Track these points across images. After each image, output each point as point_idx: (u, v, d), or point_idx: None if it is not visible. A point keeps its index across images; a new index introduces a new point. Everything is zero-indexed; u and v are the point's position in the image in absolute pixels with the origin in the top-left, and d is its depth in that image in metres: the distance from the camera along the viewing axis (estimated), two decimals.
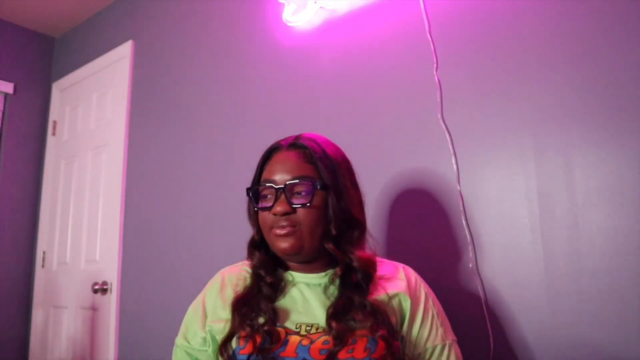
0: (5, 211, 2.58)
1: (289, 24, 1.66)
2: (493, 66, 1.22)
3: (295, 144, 0.88)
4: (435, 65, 1.31)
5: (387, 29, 1.44)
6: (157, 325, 1.92)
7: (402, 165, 1.33)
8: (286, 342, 0.78)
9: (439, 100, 1.29)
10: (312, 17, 1.61)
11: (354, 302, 0.80)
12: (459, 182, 1.22)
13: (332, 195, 0.84)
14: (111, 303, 2.14)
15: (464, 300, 1.17)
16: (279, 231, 0.82)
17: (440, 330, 0.87)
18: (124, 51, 2.39)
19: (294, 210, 0.82)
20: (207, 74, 1.98)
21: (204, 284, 0.95)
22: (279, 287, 0.86)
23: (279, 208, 0.82)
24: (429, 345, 0.85)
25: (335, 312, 0.79)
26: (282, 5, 1.67)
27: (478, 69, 1.24)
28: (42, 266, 2.61)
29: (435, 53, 1.31)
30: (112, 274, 2.18)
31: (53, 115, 2.79)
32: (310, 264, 0.88)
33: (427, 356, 0.86)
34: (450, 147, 1.25)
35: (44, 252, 2.62)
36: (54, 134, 2.76)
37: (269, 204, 0.84)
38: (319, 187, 0.82)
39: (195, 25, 2.08)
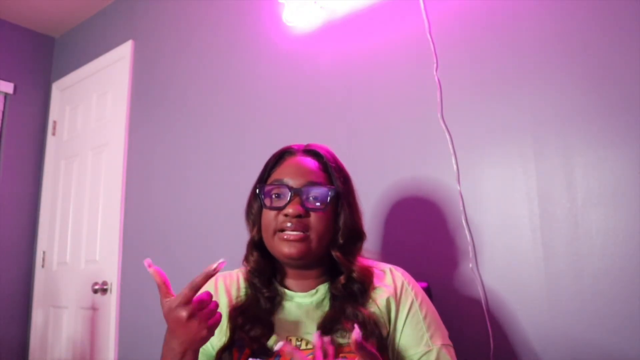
0: (5, 211, 2.57)
1: (288, 24, 1.66)
2: (493, 66, 1.22)
3: (310, 151, 0.89)
4: (435, 65, 1.31)
5: (388, 29, 1.44)
6: (157, 325, 1.92)
7: (402, 165, 1.33)
8: (278, 357, 0.77)
9: (439, 100, 1.29)
10: (312, 17, 1.61)
11: (345, 312, 0.80)
12: (459, 182, 1.22)
13: (344, 205, 0.85)
14: (111, 303, 2.14)
15: (464, 300, 1.17)
16: (287, 235, 0.81)
17: (426, 336, 0.82)
18: (124, 51, 2.39)
19: (307, 214, 0.81)
20: (207, 73, 1.98)
21: None
22: (275, 301, 0.85)
23: (291, 210, 0.80)
24: (413, 352, 0.81)
25: (324, 324, 0.79)
26: (282, 6, 1.67)
27: (478, 69, 1.24)
28: (42, 266, 2.61)
29: (435, 53, 1.31)
30: (112, 274, 2.18)
31: (53, 115, 2.79)
32: (305, 271, 0.86)
33: None
34: (450, 147, 1.25)
35: (44, 252, 2.62)
36: (54, 134, 2.76)
37: (281, 204, 0.82)
38: (334, 195, 0.83)
39: (195, 25, 2.08)
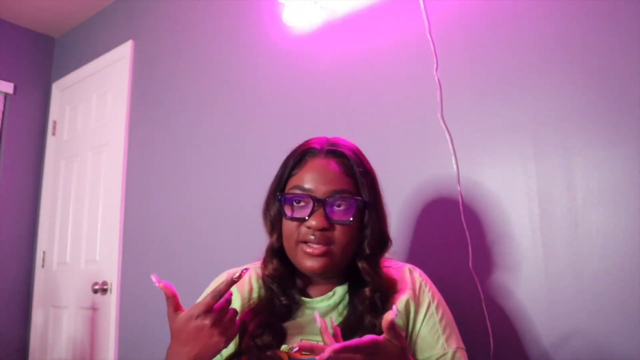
0: (5, 211, 2.57)
1: (288, 24, 1.66)
2: (493, 66, 1.22)
3: (334, 152, 0.82)
4: (435, 65, 1.31)
5: (387, 29, 1.44)
6: (157, 325, 1.92)
7: (402, 165, 1.33)
8: None
9: (439, 100, 1.29)
10: (312, 17, 1.61)
11: (364, 322, 0.77)
12: (459, 182, 1.22)
13: (372, 214, 0.80)
14: (111, 303, 2.14)
15: (464, 300, 1.17)
16: (310, 250, 0.77)
17: (442, 339, 0.81)
18: (124, 51, 2.39)
19: (332, 227, 0.77)
20: (207, 73, 1.98)
21: (204, 284, 0.95)
22: (292, 308, 0.81)
23: (314, 222, 0.76)
24: (428, 354, 0.81)
25: (342, 332, 0.74)
26: (282, 6, 1.67)
27: (478, 69, 1.24)
28: (42, 266, 2.61)
29: (435, 53, 1.31)
30: (112, 274, 2.18)
31: (53, 115, 2.79)
32: (328, 279, 0.84)
33: None
34: (450, 147, 1.25)
35: (44, 252, 2.62)
36: (54, 134, 2.76)
37: (303, 214, 0.78)
38: (361, 205, 0.78)
39: (195, 25, 2.08)
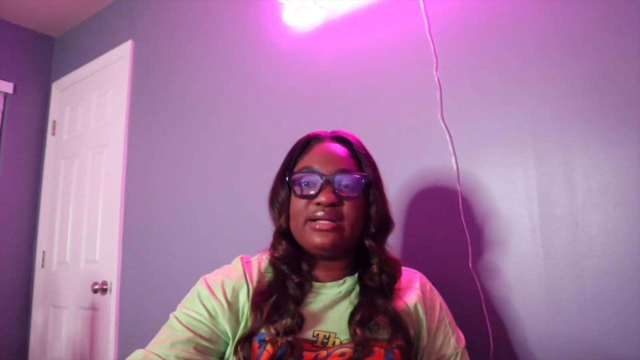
0: (5, 211, 2.57)
1: (289, 24, 1.66)
2: (493, 66, 1.22)
3: (338, 137, 0.88)
4: (435, 65, 1.31)
5: (387, 29, 1.44)
6: (157, 325, 1.92)
7: (402, 165, 1.33)
8: (300, 357, 0.74)
9: (439, 100, 1.29)
10: (312, 17, 1.61)
11: (377, 305, 0.78)
12: (459, 182, 1.22)
13: (376, 193, 0.83)
14: (111, 303, 2.14)
15: (464, 300, 1.17)
16: (320, 225, 0.78)
17: (452, 339, 0.87)
18: (124, 51, 2.39)
19: (340, 202, 0.79)
20: (207, 73, 1.98)
21: None
22: (304, 289, 0.81)
23: (323, 198, 0.78)
24: (443, 353, 0.85)
25: (361, 319, 0.76)
26: (282, 6, 1.67)
27: (478, 69, 1.24)
28: (42, 266, 2.61)
29: (435, 53, 1.31)
30: (112, 274, 2.18)
31: (53, 115, 2.79)
32: (334, 262, 0.84)
33: None
34: (450, 147, 1.25)
35: (44, 252, 2.62)
36: (54, 134, 2.76)
37: (311, 192, 0.80)
38: (367, 182, 0.82)
39: (195, 25, 2.08)
